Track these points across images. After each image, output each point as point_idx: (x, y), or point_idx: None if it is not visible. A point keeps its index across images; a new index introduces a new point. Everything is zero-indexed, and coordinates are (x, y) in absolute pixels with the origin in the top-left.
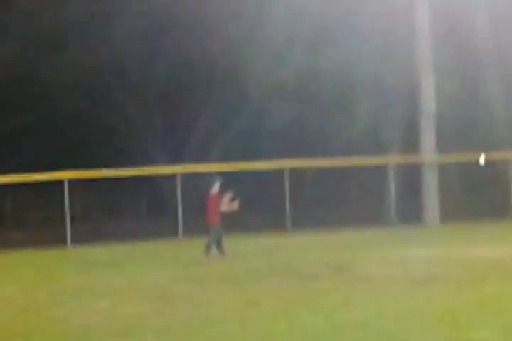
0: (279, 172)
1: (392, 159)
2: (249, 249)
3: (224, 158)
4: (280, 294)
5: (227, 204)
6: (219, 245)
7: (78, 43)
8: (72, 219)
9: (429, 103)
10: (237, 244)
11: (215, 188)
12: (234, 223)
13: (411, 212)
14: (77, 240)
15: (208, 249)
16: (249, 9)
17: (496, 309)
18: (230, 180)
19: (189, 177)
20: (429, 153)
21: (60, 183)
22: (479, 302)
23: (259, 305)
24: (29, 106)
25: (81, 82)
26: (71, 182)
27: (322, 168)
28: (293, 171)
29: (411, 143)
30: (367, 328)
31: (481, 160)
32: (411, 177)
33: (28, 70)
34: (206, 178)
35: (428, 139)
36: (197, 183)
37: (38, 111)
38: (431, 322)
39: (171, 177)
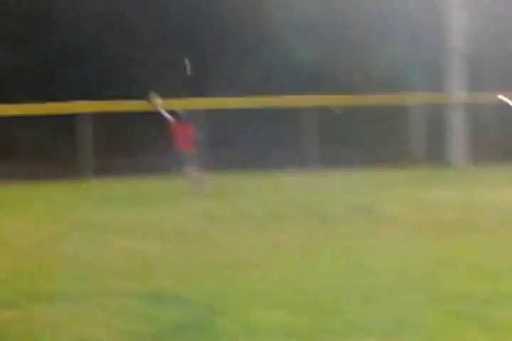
0: (305, 110)
1: (419, 98)
2: (272, 187)
3: (245, 93)
4: (302, 236)
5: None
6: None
7: None
8: (93, 153)
9: (458, 40)
10: (259, 181)
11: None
12: (258, 159)
13: (437, 153)
14: (96, 174)
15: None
16: None
17: None
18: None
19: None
20: (456, 92)
21: (83, 116)
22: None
23: (281, 247)
24: (50, 37)
25: (101, 12)
26: (94, 115)
27: (347, 107)
28: (320, 109)
29: (439, 83)
30: (389, 274)
31: (506, 99)
32: (439, 118)
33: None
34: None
35: (456, 78)
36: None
37: (58, 42)
38: (458, 272)
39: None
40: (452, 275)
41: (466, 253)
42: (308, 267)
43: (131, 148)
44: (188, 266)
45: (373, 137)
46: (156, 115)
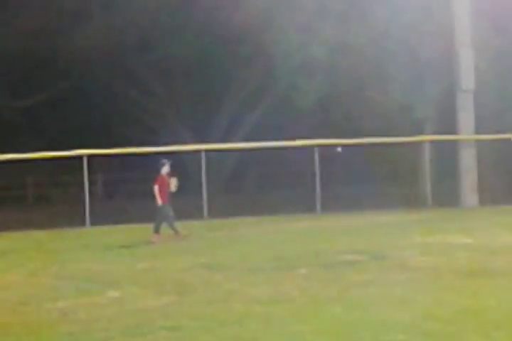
0: (308, 152)
1: (428, 138)
2: (275, 234)
3: (251, 136)
4: (310, 287)
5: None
6: (172, 224)
7: (101, 18)
8: (93, 198)
9: (467, 79)
10: (260, 228)
11: (165, 170)
12: (257, 204)
13: (447, 194)
14: (96, 220)
15: (157, 229)
16: None
17: None
18: (254, 160)
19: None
20: (466, 131)
21: (80, 160)
22: None
23: (285, 299)
24: (52, 81)
25: (104, 57)
26: (92, 159)
27: (353, 147)
28: (323, 150)
29: (447, 122)
30: (410, 331)
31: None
32: (448, 157)
33: (50, 44)
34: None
35: (465, 117)
36: (223, 162)
37: (60, 86)
38: (487, 326)
39: (196, 155)
40: (481, 331)
41: (491, 304)
42: (313, 322)
43: (134, 193)
44: (184, 320)
45: (380, 178)
46: None
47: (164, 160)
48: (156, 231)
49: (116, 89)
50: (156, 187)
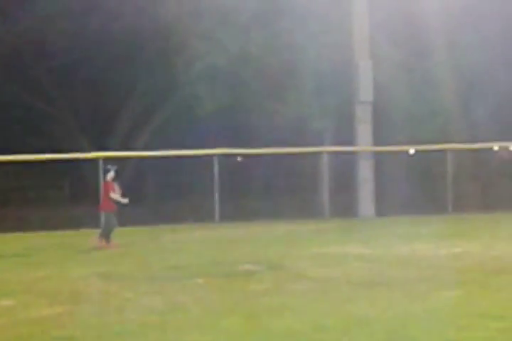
0: (208, 161)
1: (326, 149)
2: (173, 243)
3: (151, 144)
4: (206, 296)
5: (120, 196)
6: (108, 233)
7: None
8: None
9: (365, 91)
10: (158, 237)
11: (110, 176)
12: (156, 213)
13: (345, 204)
14: None
15: (105, 236)
16: None
17: (450, 319)
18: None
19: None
20: (364, 143)
21: None
22: (432, 311)
23: (181, 309)
24: None
25: (1, 62)
26: None
27: (252, 157)
28: (222, 160)
29: (346, 133)
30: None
31: (411, 151)
32: (345, 169)
33: None
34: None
35: (364, 128)
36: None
37: None
38: (379, 336)
39: (94, 163)
40: (369, 339)
41: (386, 313)
42: (209, 333)
43: (28, 200)
44: (77, 330)
45: (278, 188)
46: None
47: (109, 166)
48: (107, 238)
49: (14, 95)
50: (112, 195)
